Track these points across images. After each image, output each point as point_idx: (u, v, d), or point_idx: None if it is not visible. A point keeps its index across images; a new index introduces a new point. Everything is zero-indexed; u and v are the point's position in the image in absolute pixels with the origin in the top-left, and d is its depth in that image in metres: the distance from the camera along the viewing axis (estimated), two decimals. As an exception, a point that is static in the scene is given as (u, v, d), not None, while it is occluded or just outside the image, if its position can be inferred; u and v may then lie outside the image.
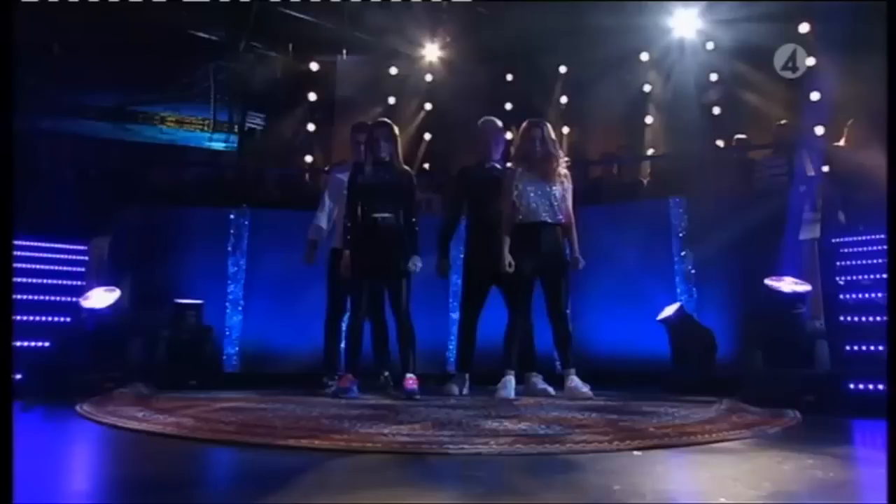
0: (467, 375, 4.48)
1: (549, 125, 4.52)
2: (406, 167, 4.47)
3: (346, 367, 4.32)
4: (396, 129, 4.43)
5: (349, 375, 4.17)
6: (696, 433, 2.65)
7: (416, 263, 4.25)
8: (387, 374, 4.58)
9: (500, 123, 4.84)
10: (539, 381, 4.37)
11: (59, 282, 5.36)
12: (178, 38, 8.89)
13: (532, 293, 4.39)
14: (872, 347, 4.00)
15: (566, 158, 4.56)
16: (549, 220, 4.29)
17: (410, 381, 4.08)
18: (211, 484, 2.18)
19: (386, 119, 4.57)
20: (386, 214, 4.25)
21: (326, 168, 5.43)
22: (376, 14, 8.57)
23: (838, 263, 5.06)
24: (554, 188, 4.34)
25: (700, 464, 2.24)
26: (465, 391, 4.39)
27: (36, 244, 5.57)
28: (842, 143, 6.27)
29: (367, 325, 4.44)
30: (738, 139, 7.14)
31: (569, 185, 4.45)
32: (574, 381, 4.16)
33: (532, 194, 4.31)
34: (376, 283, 4.39)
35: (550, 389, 4.29)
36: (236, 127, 10.15)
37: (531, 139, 4.40)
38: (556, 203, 4.32)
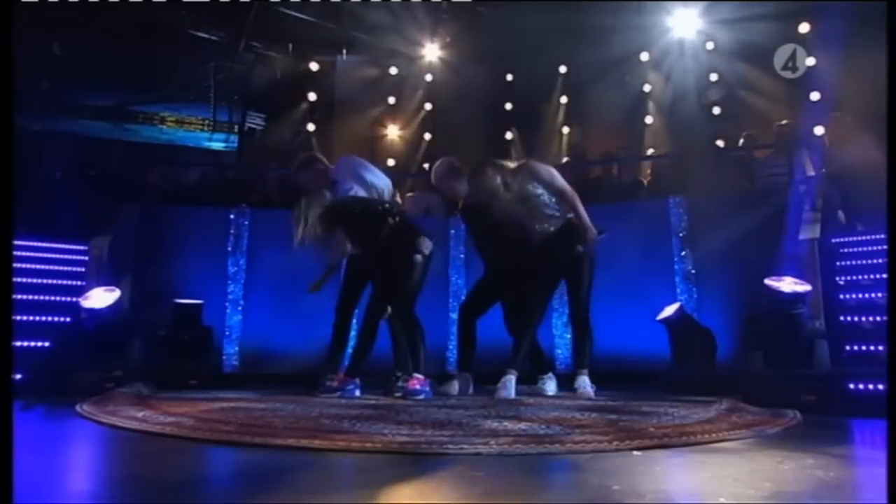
0: (470, 375, 4.46)
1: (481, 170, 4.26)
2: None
3: (347, 366, 4.31)
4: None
5: (347, 374, 4.17)
6: (696, 433, 2.65)
7: (427, 246, 4.17)
8: (399, 374, 4.45)
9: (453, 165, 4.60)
10: (550, 387, 4.37)
11: (59, 282, 5.36)
12: (178, 38, 8.90)
13: (529, 294, 4.39)
14: (872, 347, 4.00)
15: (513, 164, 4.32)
16: (535, 228, 4.22)
17: (413, 381, 4.07)
18: (211, 484, 2.18)
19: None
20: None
21: None
22: (376, 14, 8.59)
23: (838, 263, 5.06)
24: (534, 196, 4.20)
25: (700, 464, 2.24)
26: (471, 391, 4.37)
27: (36, 244, 5.58)
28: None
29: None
30: (747, 135, 7.13)
31: (544, 170, 4.25)
32: (579, 381, 4.19)
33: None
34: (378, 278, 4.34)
35: (550, 392, 4.31)
36: (236, 127, 10.16)
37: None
38: (530, 214, 4.19)
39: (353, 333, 4.67)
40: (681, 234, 5.53)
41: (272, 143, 9.77)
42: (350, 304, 4.53)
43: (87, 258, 5.44)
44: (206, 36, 9.23)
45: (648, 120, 9.18)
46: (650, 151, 8.76)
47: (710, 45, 8.49)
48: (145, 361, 4.69)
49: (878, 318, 4.27)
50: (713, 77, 8.57)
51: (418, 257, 4.18)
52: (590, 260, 4.33)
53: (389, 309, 4.33)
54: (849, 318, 4.48)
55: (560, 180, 4.29)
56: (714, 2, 8.01)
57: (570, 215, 4.26)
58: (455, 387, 4.32)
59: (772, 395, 3.56)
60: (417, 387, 4.02)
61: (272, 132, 9.95)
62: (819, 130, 6.77)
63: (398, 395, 4.09)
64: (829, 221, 5.26)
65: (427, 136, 9.72)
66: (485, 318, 4.54)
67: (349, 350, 4.57)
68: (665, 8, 8.34)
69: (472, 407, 3.50)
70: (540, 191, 4.23)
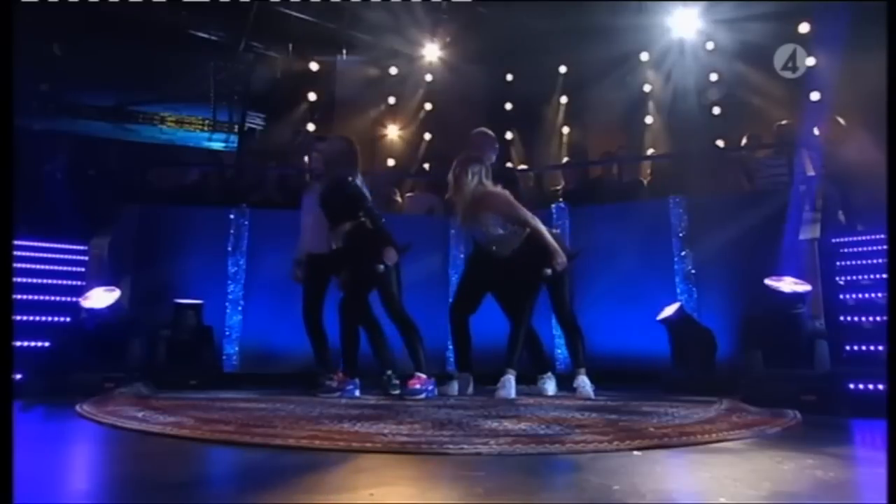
0: (470, 375, 4.45)
1: (472, 166, 4.26)
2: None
3: (343, 365, 4.31)
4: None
5: (346, 374, 4.18)
6: (696, 433, 2.65)
7: (391, 258, 4.17)
8: (389, 372, 4.48)
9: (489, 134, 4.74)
10: (550, 387, 4.37)
11: (59, 282, 5.36)
12: (178, 38, 8.89)
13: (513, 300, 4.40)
14: (872, 347, 4.00)
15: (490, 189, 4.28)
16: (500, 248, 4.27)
17: (414, 380, 4.07)
18: (211, 484, 2.18)
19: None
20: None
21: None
22: (376, 14, 8.58)
23: (838, 263, 5.06)
24: (487, 226, 4.24)
25: (700, 464, 2.24)
26: (471, 391, 4.36)
27: (36, 244, 5.58)
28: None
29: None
30: (751, 135, 7.12)
31: (502, 202, 4.23)
32: (578, 380, 4.19)
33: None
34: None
35: (550, 392, 4.31)
36: (236, 127, 10.15)
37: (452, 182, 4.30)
38: (493, 236, 4.25)
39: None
40: (681, 234, 5.53)
41: (272, 143, 9.77)
42: (313, 304, 4.61)
43: (87, 258, 5.44)
44: (206, 36, 9.22)
45: (648, 120, 9.18)
46: (650, 151, 8.76)
47: (710, 45, 8.49)
48: (145, 361, 4.69)
49: (878, 318, 4.27)
50: (713, 77, 8.58)
51: (380, 267, 4.15)
52: (565, 272, 4.30)
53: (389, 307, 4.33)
54: (849, 318, 4.48)
55: (521, 212, 4.24)
56: (714, 2, 8.01)
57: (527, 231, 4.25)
58: (455, 387, 4.32)
59: (772, 395, 3.56)
60: (418, 386, 4.02)
61: (272, 132, 9.95)
62: (819, 130, 6.77)
63: (396, 391, 4.09)
64: (829, 221, 5.26)
65: (427, 136, 9.72)
66: (483, 319, 4.54)
67: (337, 346, 4.59)
68: (665, 8, 8.34)
69: (472, 407, 3.51)
70: (496, 225, 4.23)
